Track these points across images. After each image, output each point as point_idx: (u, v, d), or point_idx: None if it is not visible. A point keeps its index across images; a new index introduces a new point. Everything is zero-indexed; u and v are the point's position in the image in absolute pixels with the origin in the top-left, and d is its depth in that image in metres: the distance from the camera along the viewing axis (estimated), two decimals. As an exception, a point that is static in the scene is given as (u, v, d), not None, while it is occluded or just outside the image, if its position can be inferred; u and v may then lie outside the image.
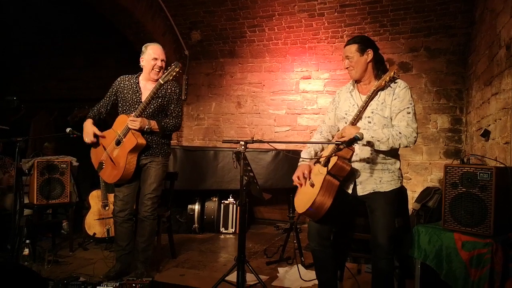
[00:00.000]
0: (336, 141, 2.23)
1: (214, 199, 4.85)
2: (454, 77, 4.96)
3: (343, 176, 2.22)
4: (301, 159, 2.48)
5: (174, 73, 2.82)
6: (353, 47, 2.28)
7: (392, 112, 2.23)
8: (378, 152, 2.24)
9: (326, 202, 2.19)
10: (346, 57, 2.31)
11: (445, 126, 5.00)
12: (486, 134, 3.50)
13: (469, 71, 4.61)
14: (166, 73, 2.83)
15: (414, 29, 4.95)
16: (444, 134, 5.00)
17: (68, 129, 3.15)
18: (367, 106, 2.24)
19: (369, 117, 2.24)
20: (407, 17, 4.83)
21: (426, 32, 4.94)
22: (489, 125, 3.47)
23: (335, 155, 2.20)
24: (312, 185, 2.29)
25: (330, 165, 2.20)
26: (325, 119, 2.55)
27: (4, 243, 3.30)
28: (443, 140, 5.00)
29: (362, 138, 2.10)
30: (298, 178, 2.36)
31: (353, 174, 2.27)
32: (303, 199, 2.33)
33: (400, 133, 2.16)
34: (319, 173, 2.28)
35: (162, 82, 2.83)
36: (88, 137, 2.99)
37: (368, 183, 2.27)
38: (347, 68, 2.34)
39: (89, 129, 3.00)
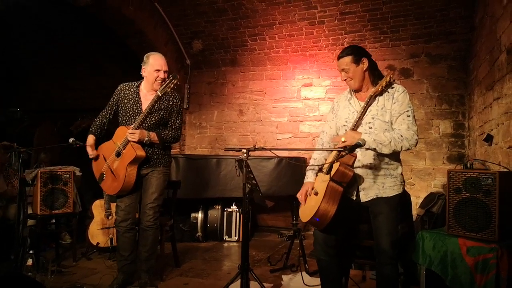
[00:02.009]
0: (338, 148, 2.24)
1: (217, 207, 4.84)
2: (455, 83, 4.97)
3: (346, 182, 2.22)
4: (305, 178, 2.50)
5: (172, 85, 2.81)
6: (348, 59, 2.30)
7: (392, 116, 2.24)
8: (380, 157, 2.25)
9: (330, 209, 2.18)
10: (342, 70, 2.34)
11: (447, 131, 4.99)
12: (489, 139, 3.49)
13: (471, 76, 4.61)
14: (164, 85, 2.82)
15: (415, 36, 4.97)
16: (447, 139, 4.99)
17: (71, 139, 3.16)
18: (366, 111, 2.26)
19: (369, 122, 2.26)
20: (407, 24, 4.85)
21: (426, 38, 4.96)
22: (492, 130, 3.46)
23: (337, 161, 2.20)
24: (316, 194, 2.29)
25: (333, 171, 2.20)
26: (325, 129, 2.55)
27: (8, 253, 3.30)
28: (446, 145, 4.99)
29: (364, 144, 2.11)
30: (301, 195, 2.43)
31: (356, 180, 2.28)
32: (307, 208, 2.32)
33: (401, 136, 2.18)
34: (322, 181, 2.28)
35: (160, 95, 2.82)
36: (90, 153, 3.04)
37: (371, 189, 2.27)
38: (345, 80, 2.37)
39: (88, 145, 3.04)
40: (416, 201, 4.57)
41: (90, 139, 3.05)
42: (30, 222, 3.75)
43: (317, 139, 2.65)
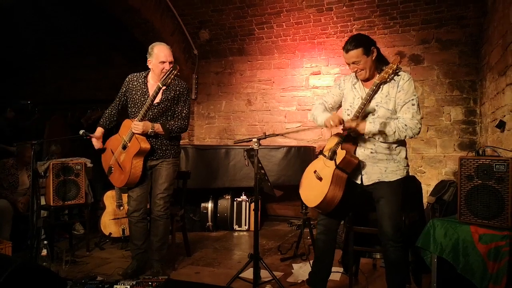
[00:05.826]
0: (341, 130, 2.29)
1: (227, 197, 4.87)
2: (467, 68, 4.88)
3: (351, 169, 2.27)
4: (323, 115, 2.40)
5: (172, 76, 2.74)
6: (358, 52, 2.22)
7: (397, 105, 2.24)
8: (383, 142, 2.27)
9: (337, 195, 2.24)
10: (352, 63, 2.26)
11: (459, 118, 4.92)
12: (501, 125, 3.43)
13: (482, 61, 4.53)
14: (164, 76, 2.74)
15: (425, 21, 4.88)
16: (458, 126, 4.93)
17: (81, 131, 3.19)
18: (371, 99, 2.24)
19: (373, 110, 2.26)
20: (417, 9, 4.76)
21: (437, 23, 4.86)
22: (504, 116, 3.41)
23: (342, 149, 2.26)
24: (320, 179, 2.32)
25: (338, 159, 2.24)
26: (328, 99, 2.52)
27: (23, 242, 3.37)
28: (457, 132, 4.93)
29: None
30: (332, 121, 2.23)
31: (359, 165, 2.30)
32: (312, 193, 2.35)
33: (405, 125, 2.19)
34: (326, 167, 2.32)
35: (161, 86, 2.77)
36: (95, 145, 3.09)
37: (373, 173, 2.30)
38: (354, 71, 2.30)
39: (94, 137, 3.07)
40: (426, 189, 4.54)
41: (98, 131, 3.09)
42: (43, 213, 3.81)
43: (317, 101, 2.59)
